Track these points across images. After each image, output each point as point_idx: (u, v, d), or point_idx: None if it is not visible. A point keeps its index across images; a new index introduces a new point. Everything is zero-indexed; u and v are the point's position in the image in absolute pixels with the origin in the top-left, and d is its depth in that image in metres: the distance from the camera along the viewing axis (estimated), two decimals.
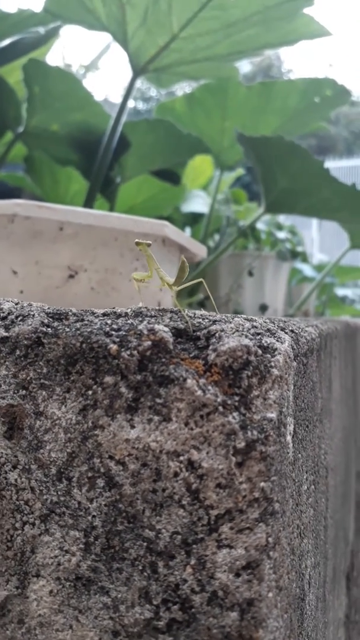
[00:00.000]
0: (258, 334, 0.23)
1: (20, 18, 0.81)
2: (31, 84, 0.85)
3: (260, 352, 0.22)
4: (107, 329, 0.22)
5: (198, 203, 1.24)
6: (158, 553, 0.20)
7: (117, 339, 0.21)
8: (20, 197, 1.22)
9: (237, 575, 0.19)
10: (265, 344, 0.22)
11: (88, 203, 0.82)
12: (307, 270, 1.69)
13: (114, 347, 0.21)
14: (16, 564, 0.22)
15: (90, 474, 0.21)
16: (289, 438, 0.24)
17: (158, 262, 0.51)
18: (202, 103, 0.97)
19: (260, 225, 1.37)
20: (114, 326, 0.22)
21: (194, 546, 0.20)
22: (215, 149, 1.02)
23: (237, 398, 0.20)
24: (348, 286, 2.20)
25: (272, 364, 0.22)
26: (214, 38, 0.73)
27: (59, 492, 0.21)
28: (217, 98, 0.95)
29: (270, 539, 0.20)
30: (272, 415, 0.21)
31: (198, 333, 0.22)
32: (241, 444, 0.20)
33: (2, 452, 0.22)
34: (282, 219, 1.48)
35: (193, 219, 1.28)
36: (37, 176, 1.05)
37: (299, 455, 0.27)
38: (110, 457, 0.21)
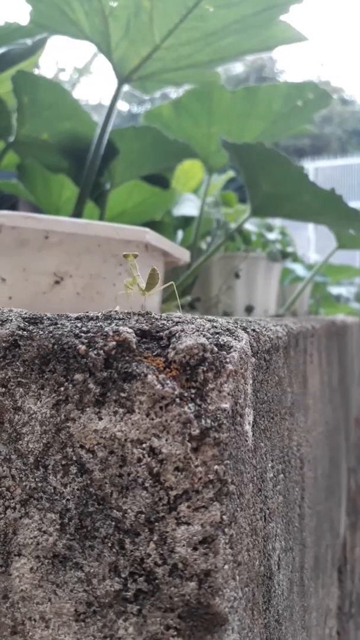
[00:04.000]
0: (217, 333, 0.26)
1: (8, 31, 0.83)
2: (20, 94, 0.87)
3: (216, 349, 0.24)
4: (77, 331, 0.24)
5: (189, 206, 1.26)
6: (125, 531, 0.23)
7: (86, 340, 0.24)
8: (15, 204, 1.24)
9: (195, 549, 0.22)
10: (222, 342, 0.25)
11: (78, 209, 0.85)
12: (299, 269, 1.71)
13: (82, 347, 0.23)
14: (0, 545, 0.24)
15: (64, 462, 0.23)
16: (247, 427, 0.26)
17: (141, 267, 0.53)
18: (189, 109, 1.00)
19: (250, 227, 1.40)
20: (84, 328, 0.24)
21: (156, 524, 0.22)
22: (202, 153, 1.04)
23: (193, 391, 0.23)
24: (343, 284, 2.23)
25: (227, 360, 0.24)
26: (195, 47, 0.75)
27: (37, 479, 0.24)
28: (203, 104, 0.97)
29: (224, 517, 0.22)
30: (226, 405, 0.23)
31: (161, 333, 0.24)
32: (196, 431, 0.22)
33: None
34: (275, 220, 1.50)
35: (185, 222, 1.30)
36: (30, 183, 1.07)
37: (261, 444, 0.29)
38: (81, 446, 0.23)
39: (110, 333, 0.23)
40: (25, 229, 0.47)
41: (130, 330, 0.24)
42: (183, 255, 0.60)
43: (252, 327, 0.31)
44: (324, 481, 0.63)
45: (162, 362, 0.23)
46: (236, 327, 0.28)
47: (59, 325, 0.25)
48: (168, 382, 0.23)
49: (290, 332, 0.40)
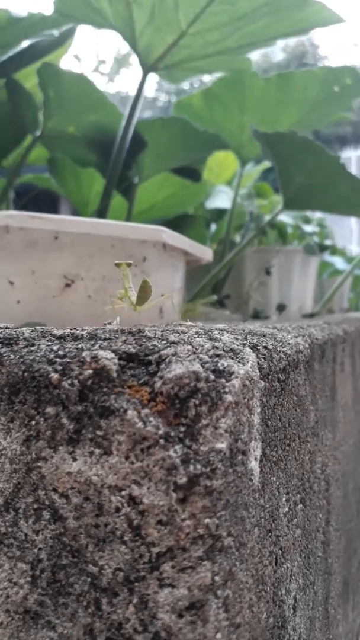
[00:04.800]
0: (217, 355, 0.22)
1: (32, 22, 0.81)
2: (46, 87, 0.85)
3: (212, 377, 0.21)
4: (52, 356, 0.21)
5: (222, 199, 1.22)
6: (102, 589, 0.20)
7: (60, 367, 0.21)
8: (56, 199, 1.22)
9: (180, 616, 0.19)
10: (221, 368, 0.21)
11: (103, 203, 0.82)
12: (338, 262, 1.64)
13: (55, 376, 0.20)
14: None
15: (35, 506, 0.21)
16: (252, 465, 0.23)
17: (159, 267, 0.50)
18: (220, 98, 0.95)
19: (286, 219, 1.34)
20: (60, 352, 0.21)
21: (136, 584, 0.19)
22: (235, 143, 1.00)
23: (182, 429, 0.19)
24: None
25: (227, 389, 0.21)
26: (224, 32, 0.71)
27: (7, 523, 0.21)
28: (235, 92, 0.93)
29: (217, 578, 0.19)
30: (222, 445, 0.20)
31: (150, 357, 0.21)
32: (182, 480, 0.19)
33: None
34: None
35: (218, 215, 1.26)
36: (60, 178, 1.05)
37: (272, 478, 0.26)
38: (54, 490, 0.20)
39: (88, 359, 0.20)
40: (34, 229, 0.44)
41: (111, 356, 0.21)
42: (205, 253, 0.56)
43: (264, 344, 0.27)
44: (356, 495, 0.58)
45: (147, 394, 0.20)
46: (243, 346, 0.25)
47: (33, 348, 0.22)
48: (151, 419, 0.19)
49: (314, 344, 0.36)
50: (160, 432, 0.19)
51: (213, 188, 1.26)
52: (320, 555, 0.37)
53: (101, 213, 0.81)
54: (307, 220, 1.41)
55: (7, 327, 0.26)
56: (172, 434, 0.19)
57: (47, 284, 0.45)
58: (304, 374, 0.33)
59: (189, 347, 0.22)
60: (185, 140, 0.91)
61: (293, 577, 0.30)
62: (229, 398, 0.20)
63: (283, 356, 0.28)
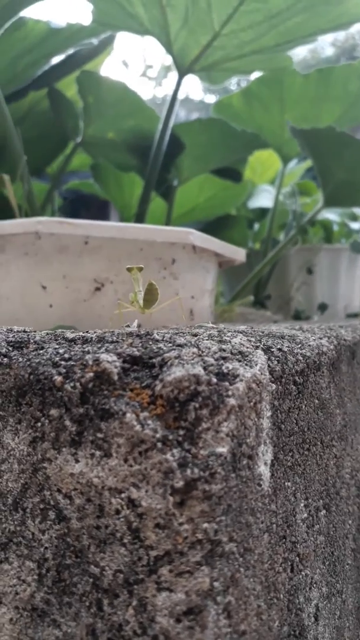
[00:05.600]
0: (223, 358, 0.22)
1: (71, 32, 0.83)
2: (85, 94, 0.87)
3: (214, 380, 0.20)
4: (57, 359, 0.21)
5: (264, 198, 1.21)
6: (104, 590, 0.20)
7: (64, 370, 0.21)
8: (106, 204, 1.25)
9: (178, 620, 0.18)
10: (225, 371, 0.21)
11: (142, 207, 0.83)
12: None
13: (58, 378, 0.21)
14: None
15: (42, 506, 0.21)
16: (260, 469, 0.22)
17: (189, 269, 0.50)
18: (259, 97, 0.95)
19: (332, 217, 1.31)
20: (66, 355, 0.22)
21: (135, 587, 0.19)
22: (275, 142, 0.99)
23: (182, 432, 0.19)
24: None
25: (230, 392, 0.20)
26: (258, 31, 0.70)
27: (15, 522, 0.22)
28: (274, 90, 0.92)
29: (216, 583, 0.19)
30: (223, 449, 0.19)
31: (154, 360, 0.21)
32: (179, 483, 0.19)
33: None
34: None
35: (262, 215, 1.25)
36: (103, 183, 1.07)
37: (286, 483, 0.25)
38: (58, 490, 0.21)
39: (90, 362, 0.21)
40: (65, 234, 0.45)
41: (112, 359, 0.21)
42: (237, 254, 0.56)
43: (279, 346, 0.27)
44: None
45: (147, 397, 0.20)
46: (255, 348, 0.24)
47: (41, 352, 0.22)
48: (150, 422, 0.19)
49: (340, 345, 0.35)
50: (158, 435, 0.19)
51: (256, 187, 1.25)
52: (350, 563, 0.36)
53: (139, 217, 0.82)
54: (354, 218, 1.38)
55: (25, 331, 0.26)
56: (171, 437, 0.19)
57: (77, 287, 0.46)
58: (327, 377, 0.32)
59: (195, 349, 0.22)
60: (223, 141, 0.91)
61: (314, 585, 0.29)
62: (231, 401, 0.20)
63: (300, 358, 0.28)
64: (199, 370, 0.20)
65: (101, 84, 0.86)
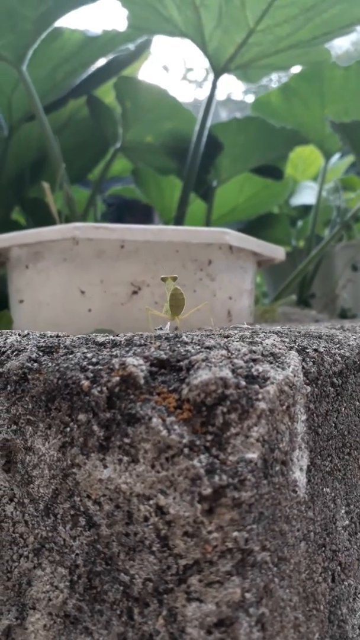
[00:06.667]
0: (253, 360, 0.21)
1: (107, 39, 0.83)
2: (123, 99, 0.87)
3: (243, 383, 0.20)
4: (85, 363, 0.21)
5: (307, 195, 1.19)
6: (134, 599, 0.19)
7: (91, 375, 0.21)
8: (150, 209, 1.26)
9: (209, 632, 0.18)
10: (255, 373, 0.20)
11: (180, 209, 0.83)
12: None
13: (85, 383, 0.20)
14: (15, 594, 0.22)
15: (72, 512, 0.21)
16: (296, 475, 0.22)
17: (225, 270, 0.49)
18: (298, 92, 0.93)
19: None
20: (94, 360, 0.21)
21: (165, 596, 0.19)
22: (317, 137, 0.97)
23: (209, 437, 0.19)
24: None
25: (260, 396, 0.20)
26: (294, 25, 0.69)
27: (47, 528, 0.22)
28: (313, 85, 0.90)
29: (248, 594, 0.18)
30: (253, 455, 0.19)
31: (181, 363, 0.21)
32: (207, 490, 0.18)
33: (1, 485, 0.23)
34: None
35: (305, 212, 1.23)
36: (144, 187, 1.08)
37: (325, 489, 0.24)
38: (88, 497, 0.20)
39: (116, 366, 0.20)
40: (102, 239, 0.45)
41: (139, 362, 0.20)
42: (275, 253, 0.55)
43: (314, 347, 0.26)
44: None
45: (174, 401, 0.19)
46: (288, 349, 0.23)
47: (70, 356, 0.22)
48: (176, 427, 0.19)
49: None
50: (185, 440, 0.19)
51: (298, 185, 1.23)
52: None
53: (178, 219, 0.82)
54: None
55: (57, 336, 0.26)
56: (198, 442, 0.19)
57: (115, 291, 0.46)
58: None
59: (224, 352, 0.22)
60: (262, 139, 0.90)
61: (359, 596, 0.28)
62: (262, 405, 0.19)
63: (339, 359, 0.27)
64: (226, 372, 0.20)
65: (138, 88, 0.86)
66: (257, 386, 0.20)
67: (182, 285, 0.47)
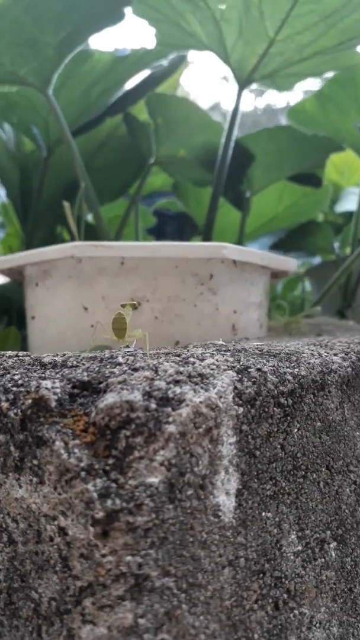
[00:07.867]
0: (177, 381, 0.21)
1: (136, 58, 0.85)
2: (155, 115, 0.89)
3: (153, 406, 0.20)
4: (10, 385, 0.22)
5: (351, 201, 1.16)
6: (43, 617, 0.20)
7: (12, 397, 0.21)
8: (188, 220, 1.27)
9: None
10: (170, 395, 0.20)
11: (208, 218, 0.83)
12: None
13: (5, 405, 0.21)
14: None
15: None
16: (219, 499, 0.21)
17: (228, 283, 0.49)
18: (333, 98, 0.91)
19: None
20: (19, 382, 0.22)
21: (65, 616, 0.19)
22: (355, 143, 0.94)
23: (110, 461, 0.19)
24: None
25: (171, 419, 0.20)
26: (316, 32, 0.68)
27: None
28: (347, 90, 0.88)
29: (142, 620, 0.18)
30: (154, 480, 0.19)
31: (101, 385, 0.21)
32: (100, 514, 0.18)
33: None
34: None
35: (350, 218, 1.20)
36: (184, 200, 1.10)
37: (265, 514, 0.24)
38: (8, 514, 0.21)
39: (32, 389, 0.21)
40: (103, 257, 0.47)
41: (53, 385, 0.21)
42: (284, 265, 0.54)
43: (258, 366, 0.25)
44: None
45: (83, 424, 0.20)
46: (225, 370, 0.23)
47: (1, 378, 0.23)
48: (76, 450, 0.19)
49: (357, 361, 0.32)
50: (83, 464, 0.19)
51: (343, 191, 1.20)
52: None
53: (207, 230, 0.82)
54: None
55: (17, 356, 0.27)
56: (97, 466, 0.19)
57: (116, 307, 0.47)
58: (337, 396, 0.30)
59: (148, 373, 0.22)
60: (294, 148, 0.88)
61: (318, 625, 0.27)
62: (170, 428, 0.20)
63: (289, 378, 0.26)
64: (134, 395, 0.20)
65: (168, 103, 0.88)
66: (169, 409, 0.20)
67: (182, 300, 0.47)
